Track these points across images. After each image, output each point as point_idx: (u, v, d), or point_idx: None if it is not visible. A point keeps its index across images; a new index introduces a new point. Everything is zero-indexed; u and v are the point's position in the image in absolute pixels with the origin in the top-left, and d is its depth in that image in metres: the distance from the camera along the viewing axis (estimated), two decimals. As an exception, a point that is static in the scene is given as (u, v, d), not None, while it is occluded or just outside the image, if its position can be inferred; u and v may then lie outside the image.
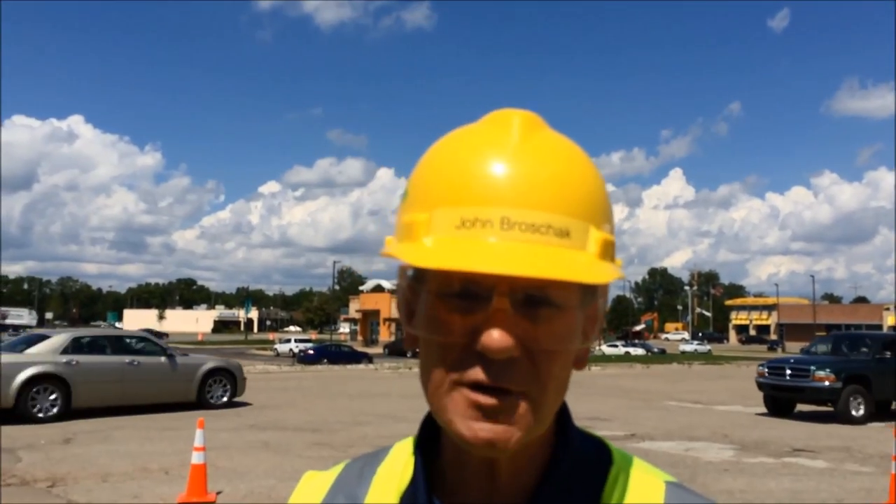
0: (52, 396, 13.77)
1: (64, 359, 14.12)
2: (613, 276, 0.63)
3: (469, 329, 0.63)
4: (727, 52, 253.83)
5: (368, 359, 41.76)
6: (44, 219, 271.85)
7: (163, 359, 15.49)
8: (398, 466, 0.77)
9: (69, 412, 13.81)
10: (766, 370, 17.52)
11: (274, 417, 15.07)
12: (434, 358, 0.66)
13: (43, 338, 14.79)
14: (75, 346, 14.47)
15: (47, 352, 14.10)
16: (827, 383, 15.95)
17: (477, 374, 0.63)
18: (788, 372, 16.78)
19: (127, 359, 14.99)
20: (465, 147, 0.67)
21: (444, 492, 0.72)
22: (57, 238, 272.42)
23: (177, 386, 15.58)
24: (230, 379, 16.45)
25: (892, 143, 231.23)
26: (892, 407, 16.55)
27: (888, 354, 17.00)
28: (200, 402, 15.70)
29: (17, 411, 13.31)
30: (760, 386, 17.62)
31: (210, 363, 16.34)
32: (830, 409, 16.11)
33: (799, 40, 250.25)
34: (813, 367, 16.33)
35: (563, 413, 0.74)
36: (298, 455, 10.72)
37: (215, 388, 16.17)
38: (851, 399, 15.86)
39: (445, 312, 0.64)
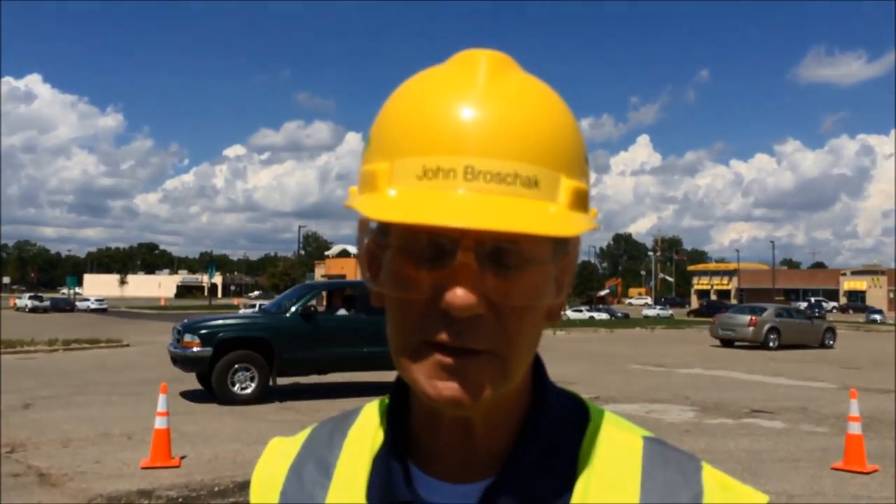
0: None
1: None
2: (584, 228, 0.60)
3: (434, 285, 0.60)
4: (697, 19, 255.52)
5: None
6: (0, 181, 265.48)
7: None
8: (370, 429, 0.74)
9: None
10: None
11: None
12: (399, 315, 0.63)
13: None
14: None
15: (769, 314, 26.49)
16: (195, 349, 12.03)
17: (441, 333, 0.60)
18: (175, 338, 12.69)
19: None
20: (429, 91, 0.62)
21: (418, 454, 0.70)
22: (14, 201, 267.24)
23: None
24: None
25: (856, 111, 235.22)
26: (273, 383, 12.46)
27: (312, 308, 13.01)
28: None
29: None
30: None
31: None
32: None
33: (767, 7, 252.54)
34: (179, 329, 12.54)
35: (539, 370, 0.72)
36: (263, 419, 10.70)
37: None
38: (232, 372, 12.00)
39: (411, 268, 0.61)
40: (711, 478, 0.67)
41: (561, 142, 0.62)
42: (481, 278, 0.60)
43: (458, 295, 0.58)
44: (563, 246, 0.65)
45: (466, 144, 0.58)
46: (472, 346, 0.60)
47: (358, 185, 0.65)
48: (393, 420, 0.72)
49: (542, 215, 0.58)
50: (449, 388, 0.61)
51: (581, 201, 0.62)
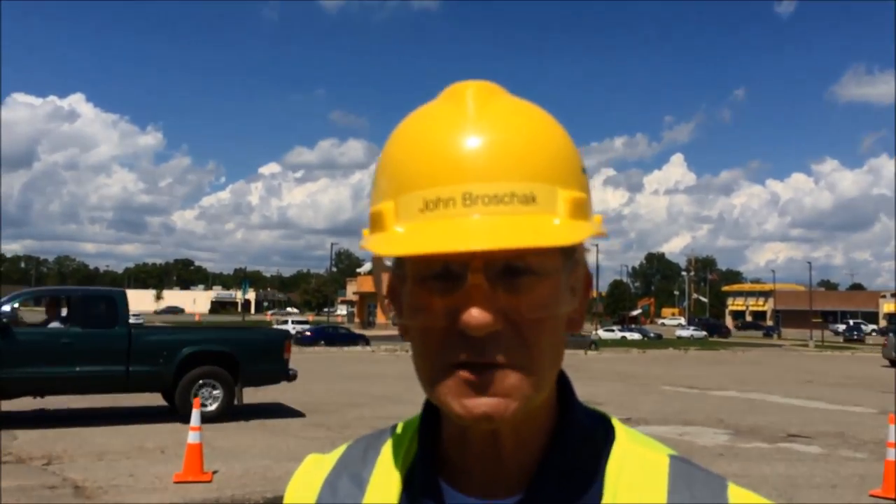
0: None
1: None
2: (587, 234, 0.62)
3: (450, 310, 0.63)
4: (734, 38, 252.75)
5: (365, 341, 41.92)
6: (43, 197, 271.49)
7: None
8: (402, 447, 0.77)
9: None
10: None
11: (270, 398, 15.10)
12: (421, 343, 0.66)
13: None
14: None
15: None
16: None
17: (462, 353, 0.63)
18: None
19: None
20: (422, 128, 0.66)
21: (449, 472, 0.72)
22: (56, 217, 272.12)
23: None
24: None
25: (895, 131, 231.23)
26: None
27: (4, 321, 10.74)
28: None
29: None
30: None
31: None
32: None
33: (806, 25, 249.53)
34: None
35: (565, 387, 0.74)
36: (294, 435, 10.75)
37: None
38: None
39: (427, 296, 0.64)
40: (738, 496, 0.68)
41: (552, 156, 0.65)
42: (494, 296, 0.62)
43: (473, 315, 0.61)
44: (572, 256, 0.68)
45: (462, 173, 0.62)
46: (493, 361, 0.62)
47: (369, 227, 0.68)
48: (424, 437, 0.74)
49: (544, 228, 0.61)
50: (478, 404, 0.62)
51: (581, 210, 0.65)
